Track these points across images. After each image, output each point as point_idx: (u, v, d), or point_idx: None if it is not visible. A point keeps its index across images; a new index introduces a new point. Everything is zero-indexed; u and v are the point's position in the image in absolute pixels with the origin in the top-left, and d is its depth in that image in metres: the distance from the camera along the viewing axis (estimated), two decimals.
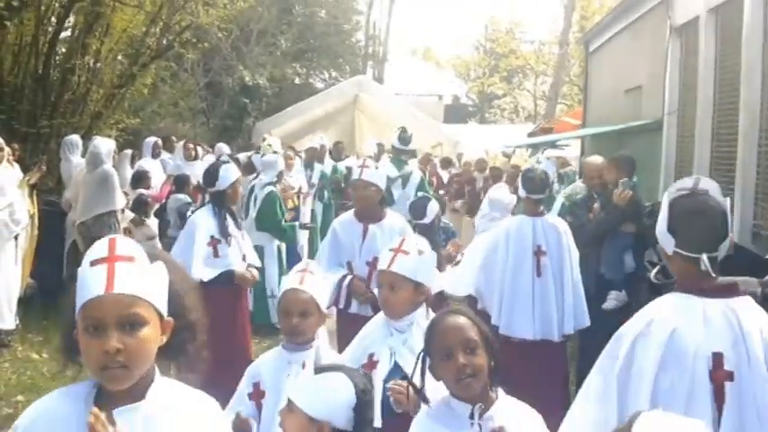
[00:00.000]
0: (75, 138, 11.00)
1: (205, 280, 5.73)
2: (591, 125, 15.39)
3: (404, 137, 10.12)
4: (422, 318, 3.50)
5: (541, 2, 37.06)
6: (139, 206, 9.55)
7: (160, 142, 12.64)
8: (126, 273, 1.81)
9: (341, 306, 5.54)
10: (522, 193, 5.93)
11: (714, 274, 2.55)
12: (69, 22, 13.54)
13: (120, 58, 14.63)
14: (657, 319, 2.55)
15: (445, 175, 14.65)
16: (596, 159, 7.20)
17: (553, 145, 15.80)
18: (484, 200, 9.94)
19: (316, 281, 3.48)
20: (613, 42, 14.39)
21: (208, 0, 13.91)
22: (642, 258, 6.54)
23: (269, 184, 9.04)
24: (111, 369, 1.78)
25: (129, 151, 12.33)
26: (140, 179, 10.64)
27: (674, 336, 2.49)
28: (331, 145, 14.01)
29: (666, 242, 2.67)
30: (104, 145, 8.88)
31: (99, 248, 1.86)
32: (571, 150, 16.32)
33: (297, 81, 26.47)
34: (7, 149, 8.91)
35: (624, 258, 6.59)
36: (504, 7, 38.26)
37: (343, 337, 7.14)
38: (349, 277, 5.51)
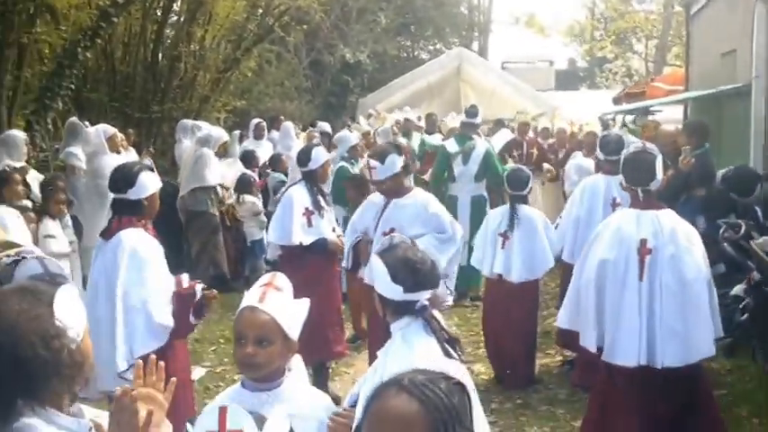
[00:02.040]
0: (187, 122, 11.68)
1: (305, 244, 6.25)
2: (693, 89, 15.01)
3: (470, 110, 10.01)
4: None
5: None
6: (244, 185, 10.17)
7: (263, 123, 13.07)
8: None
9: (348, 267, 6.01)
10: (599, 155, 6.29)
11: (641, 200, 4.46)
12: (174, 11, 14.34)
13: (223, 43, 15.37)
14: (609, 222, 4.61)
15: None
16: (669, 127, 7.33)
17: (646, 111, 15.45)
18: (568, 168, 10.08)
19: (281, 299, 2.68)
20: (711, 5, 14.04)
21: None
22: (713, 220, 6.59)
23: (342, 158, 9.40)
24: None
25: (237, 132, 12.98)
26: (247, 159, 11.21)
27: (618, 229, 4.42)
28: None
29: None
30: (213, 133, 9.58)
31: None
32: (665, 115, 15.92)
33: (402, 55, 26.81)
34: (121, 135, 9.63)
35: (696, 221, 6.66)
36: None
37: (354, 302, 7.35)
38: (358, 240, 5.80)
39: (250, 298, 2.67)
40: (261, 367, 2.61)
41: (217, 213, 9.57)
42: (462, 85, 20.60)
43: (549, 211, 10.82)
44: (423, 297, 2.91)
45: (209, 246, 9.43)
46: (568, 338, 5.56)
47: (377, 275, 2.97)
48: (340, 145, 9.68)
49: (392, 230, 5.07)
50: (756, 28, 10.02)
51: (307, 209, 6.40)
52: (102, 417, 1.99)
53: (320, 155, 6.59)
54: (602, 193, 6.31)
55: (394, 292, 2.89)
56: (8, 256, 3.98)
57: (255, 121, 12.94)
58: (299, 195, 6.45)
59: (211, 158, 9.26)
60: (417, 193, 5.61)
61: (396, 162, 5.38)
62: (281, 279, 2.78)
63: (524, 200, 6.62)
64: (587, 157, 9.41)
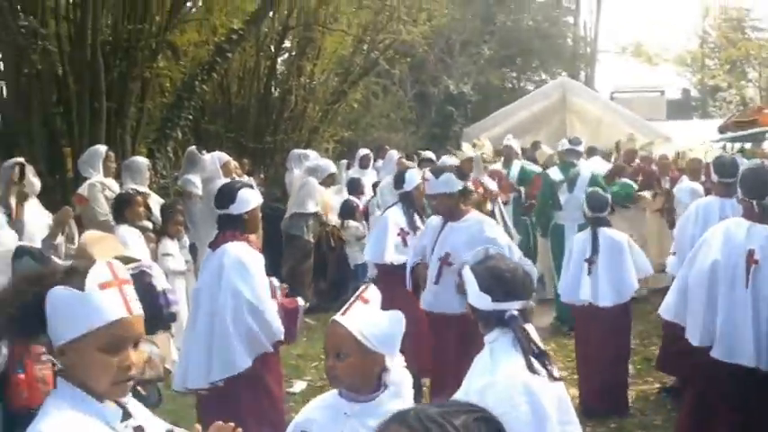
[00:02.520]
0: (297, 152, 12.19)
1: (396, 263, 6.52)
2: None
3: (575, 138, 10.09)
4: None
5: None
6: (348, 210, 10.60)
7: (370, 154, 13.41)
8: (132, 294, 2.01)
9: (408, 288, 6.09)
10: (714, 177, 6.29)
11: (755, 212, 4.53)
12: (285, 47, 15.07)
13: (331, 76, 16.00)
14: (718, 228, 4.76)
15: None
16: None
17: (755, 138, 15.01)
18: (677, 192, 9.94)
19: (364, 311, 2.64)
20: None
21: (408, 18, 14.80)
22: None
23: None
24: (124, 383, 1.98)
25: (344, 161, 13.46)
26: (354, 187, 11.64)
27: (728, 235, 4.57)
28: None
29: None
30: (325, 165, 10.08)
31: (102, 272, 1.99)
32: None
33: (507, 86, 26.99)
34: (235, 163, 10.18)
35: None
36: None
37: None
38: (418, 263, 5.88)
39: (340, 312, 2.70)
40: (340, 379, 2.60)
41: (311, 240, 9.97)
42: (568, 114, 20.52)
43: (656, 238, 10.77)
44: (512, 307, 2.89)
45: (298, 269, 9.83)
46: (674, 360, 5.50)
47: (467, 285, 3.00)
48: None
49: (447, 255, 5.29)
50: None
51: (402, 229, 6.70)
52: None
53: (414, 177, 6.91)
54: (716, 214, 6.16)
55: (482, 301, 2.92)
56: (127, 269, 4.49)
57: (362, 152, 13.33)
58: (394, 216, 6.78)
59: (315, 188, 9.65)
60: (474, 216, 5.62)
61: (450, 182, 5.45)
62: (371, 291, 2.74)
63: (605, 222, 6.60)
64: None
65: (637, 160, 13.05)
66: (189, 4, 10.86)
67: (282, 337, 4.71)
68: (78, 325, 1.90)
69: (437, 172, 5.60)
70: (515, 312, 2.88)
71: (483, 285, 2.92)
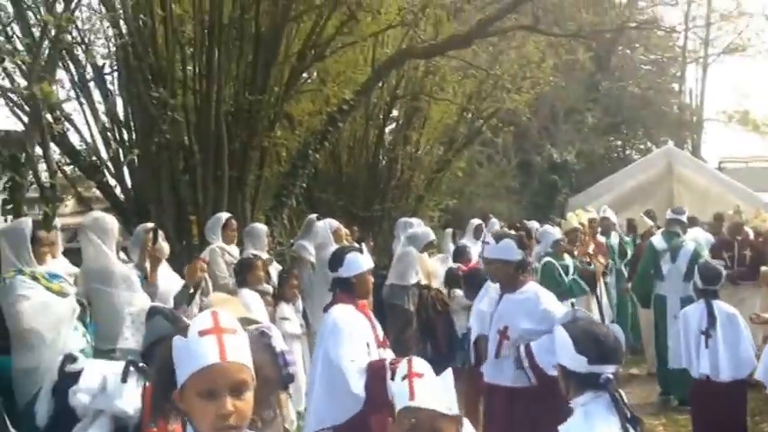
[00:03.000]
0: (404, 220, 12.28)
1: None
2: None
3: (677, 208, 9.96)
4: None
5: None
6: (452, 279, 10.56)
7: (483, 225, 13.36)
8: (233, 343, 2.04)
9: (473, 362, 5.97)
10: None
11: None
12: (393, 117, 15.42)
13: (436, 145, 16.24)
14: None
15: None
16: None
17: None
18: None
19: (430, 384, 3.02)
20: None
21: (512, 87, 14.95)
22: None
23: (545, 254, 9.50)
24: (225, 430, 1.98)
25: (450, 230, 13.48)
26: (460, 254, 11.60)
27: None
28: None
29: None
30: (425, 233, 10.15)
31: (204, 320, 2.06)
32: None
33: (612, 155, 26.70)
34: (345, 230, 10.35)
35: None
36: None
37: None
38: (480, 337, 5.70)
39: None
40: None
41: (413, 308, 9.93)
42: (675, 184, 20.11)
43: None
44: (607, 370, 2.88)
45: (401, 337, 9.78)
46: None
47: (561, 347, 2.98)
48: (543, 239, 9.85)
49: (506, 328, 5.18)
50: None
51: None
52: None
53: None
54: None
55: (579, 363, 2.89)
56: (250, 331, 4.61)
57: (475, 222, 13.24)
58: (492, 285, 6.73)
59: (415, 257, 9.65)
60: (530, 287, 5.41)
61: (509, 249, 5.28)
62: (417, 363, 3.10)
63: (717, 295, 6.43)
64: None
65: (748, 230, 12.61)
66: (305, 75, 11.16)
67: (363, 400, 4.71)
68: (182, 371, 2.00)
69: (498, 237, 5.45)
70: (611, 376, 2.88)
71: (579, 347, 2.90)
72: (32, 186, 6.59)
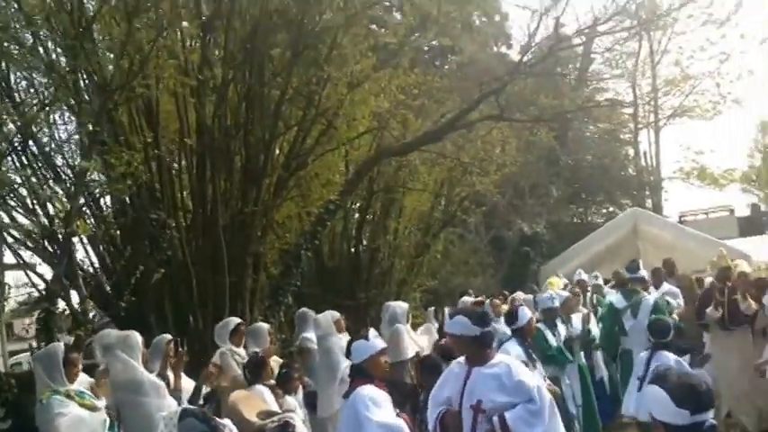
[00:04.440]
0: (388, 304, 12.95)
1: None
2: None
3: (631, 266, 10.37)
4: None
5: None
6: (445, 353, 11.21)
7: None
8: None
9: None
10: None
11: None
12: (371, 210, 16.32)
13: (414, 231, 17.11)
14: None
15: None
16: None
17: None
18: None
19: None
20: None
21: (480, 171, 15.94)
22: None
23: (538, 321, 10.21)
24: None
25: (432, 308, 14.16)
26: (444, 331, 12.25)
27: None
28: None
29: None
30: (399, 307, 10.81)
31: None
32: None
33: (576, 221, 27.82)
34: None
35: None
36: None
37: None
38: (443, 412, 5.40)
39: None
40: None
41: (412, 381, 10.53)
42: (641, 243, 20.99)
43: None
44: (709, 416, 2.92)
45: (404, 409, 10.31)
46: None
47: (657, 404, 2.98)
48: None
49: (479, 403, 5.05)
50: None
51: (522, 361, 7.31)
52: None
53: (525, 313, 7.68)
54: None
55: (682, 416, 2.89)
56: (273, 421, 5.45)
57: (465, 300, 13.91)
58: (511, 349, 7.37)
59: (403, 332, 10.24)
60: (500, 359, 5.31)
61: (463, 324, 5.21)
62: None
63: (668, 346, 7.22)
64: None
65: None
66: (291, 182, 12.03)
67: None
68: None
69: (453, 313, 5.48)
70: (714, 421, 2.95)
71: (678, 401, 2.92)
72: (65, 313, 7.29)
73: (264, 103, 10.48)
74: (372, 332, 5.91)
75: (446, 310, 13.58)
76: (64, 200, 6.88)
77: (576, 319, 10.10)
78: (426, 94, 14.14)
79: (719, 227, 28.16)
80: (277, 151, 11.48)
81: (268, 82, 10.27)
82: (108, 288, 10.34)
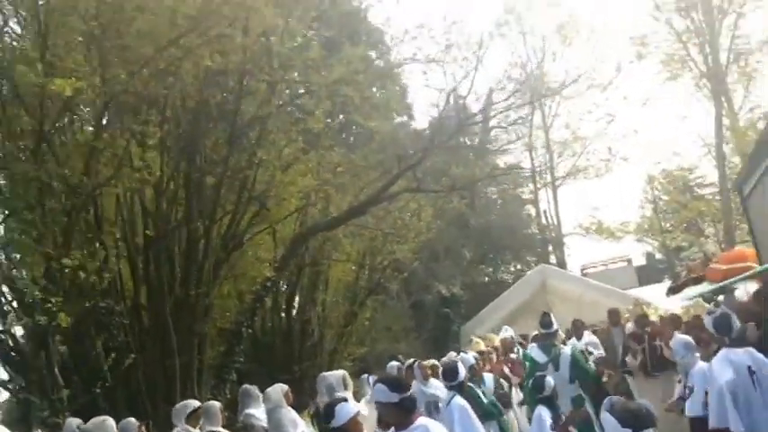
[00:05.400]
0: (323, 374, 13.41)
1: None
2: (765, 261, 16.23)
3: (544, 321, 10.54)
4: None
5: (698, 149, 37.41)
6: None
7: (400, 366, 14.44)
8: None
9: None
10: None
11: None
12: (301, 285, 16.85)
13: (341, 301, 17.72)
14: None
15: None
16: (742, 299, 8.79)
17: (723, 290, 16.49)
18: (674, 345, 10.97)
19: None
20: (762, 183, 15.62)
21: (399, 238, 16.76)
22: None
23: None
24: None
25: (365, 375, 14.62)
26: None
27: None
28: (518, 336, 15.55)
29: None
30: (333, 376, 11.30)
31: None
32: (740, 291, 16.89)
33: (486, 280, 28.98)
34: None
35: None
36: (664, 159, 39.27)
37: None
38: None
39: None
40: None
41: None
42: (550, 298, 22.02)
43: None
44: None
45: None
46: None
47: (609, 426, 3.89)
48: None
49: None
50: None
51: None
52: None
53: (462, 368, 8.31)
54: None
55: None
56: None
57: (393, 364, 14.41)
58: (461, 403, 7.88)
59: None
60: (421, 422, 5.30)
61: (383, 392, 5.26)
62: None
63: (548, 401, 7.91)
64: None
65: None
66: (229, 263, 12.45)
67: None
68: None
69: (375, 382, 5.53)
70: None
71: (624, 422, 3.82)
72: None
73: (203, 191, 11.00)
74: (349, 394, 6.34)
75: (368, 378, 14.10)
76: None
77: (489, 379, 10.74)
78: (348, 171, 14.94)
79: (619, 277, 29.72)
80: (214, 234, 11.93)
81: (206, 170, 10.82)
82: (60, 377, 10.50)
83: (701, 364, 8.00)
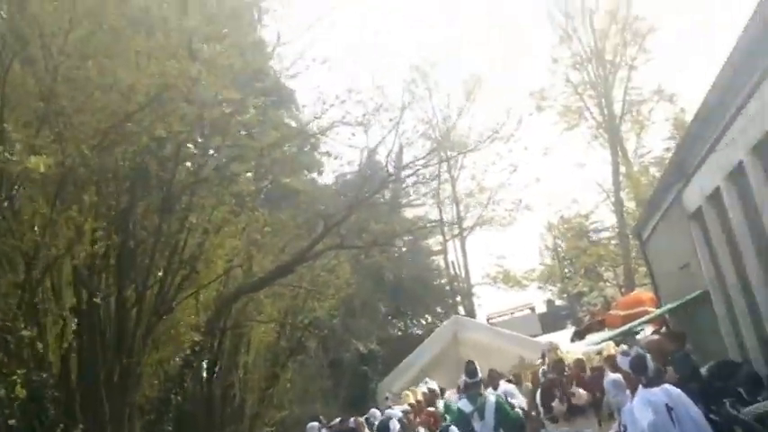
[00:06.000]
0: None
1: None
2: (664, 301, 17.25)
3: (469, 370, 10.76)
4: None
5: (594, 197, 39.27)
6: None
7: (316, 425, 14.44)
8: None
9: None
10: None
11: None
12: (222, 348, 16.66)
13: (263, 363, 17.59)
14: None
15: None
16: (653, 337, 9.35)
17: (630, 333, 17.33)
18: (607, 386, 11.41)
19: None
20: (658, 229, 16.69)
21: (321, 296, 16.87)
22: (708, 405, 8.38)
23: None
24: None
25: None
26: None
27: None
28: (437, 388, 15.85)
29: None
30: None
31: None
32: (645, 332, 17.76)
33: (398, 333, 29.31)
34: None
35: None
36: (564, 206, 40.98)
37: None
38: None
39: None
40: None
41: None
42: (462, 349, 22.37)
43: None
44: None
45: None
46: None
47: None
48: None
49: None
50: (696, 241, 12.49)
51: None
52: None
53: (396, 425, 8.49)
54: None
55: None
56: None
57: (312, 425, 14.43)
58: None
59: None
60: None
61: None
62: None
63: None
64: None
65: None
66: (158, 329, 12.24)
67: None
68: None
69: None
70: None
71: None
72: None
73: (135, 259, 10.91)
74: None
75: None
76: None
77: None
78: (273, 232, 15.02)
79: (524, 325, 30.47)
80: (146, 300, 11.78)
81: (139, 238, 10.75)
82: None
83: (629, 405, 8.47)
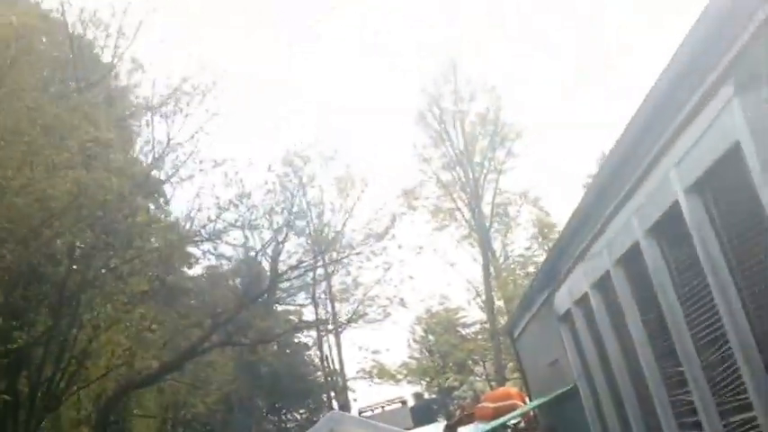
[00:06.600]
0: None
1: None
2: (534, 396, 18.24)
3: None
4: None
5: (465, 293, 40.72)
6: None
7: None
8: None
9: None
10: None
11: None
12: None
13: None
14: None
15: None
16: None
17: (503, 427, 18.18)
18: None
19: None
20: (528, 328, 17.77)
21: (203, 391, 16.91)
22: None
23: None
24: None
25: None
26: None
27: None
28: None
29: None
30: None
31: None
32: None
33: (274, 430, 29.14)
34: None
35: None
36: (435, 302, 42.15)
37: None
38: None
39: None
40: None
41: None
42: None
43: None
44: None
45: None
46: None
47: None
48: None
49: None
50: (565, 340, 13.51)
51: None
52: None
53: None
54: None
55: None
56: None
57: None
58: None
59: None
60: None
61: None
62: None
63: None
64: None
65: None
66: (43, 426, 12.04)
67: None
68: None
69: None
70: None
71: None
72: None
73: (30, 359, 10.85)
74: None
75: None
76: None
77: None
78: (161, 328, 15.06)
79: (396, 418, 31.04)
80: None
81: (32, 337, 10.74)
82: None
83: None
